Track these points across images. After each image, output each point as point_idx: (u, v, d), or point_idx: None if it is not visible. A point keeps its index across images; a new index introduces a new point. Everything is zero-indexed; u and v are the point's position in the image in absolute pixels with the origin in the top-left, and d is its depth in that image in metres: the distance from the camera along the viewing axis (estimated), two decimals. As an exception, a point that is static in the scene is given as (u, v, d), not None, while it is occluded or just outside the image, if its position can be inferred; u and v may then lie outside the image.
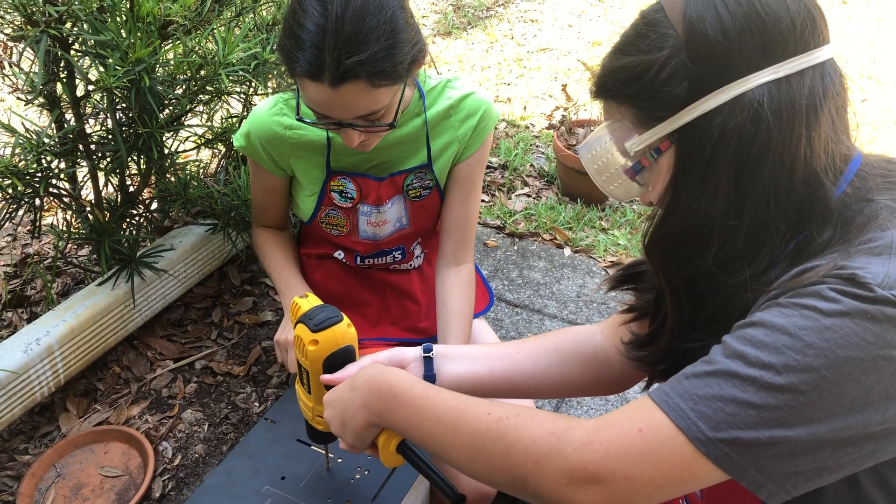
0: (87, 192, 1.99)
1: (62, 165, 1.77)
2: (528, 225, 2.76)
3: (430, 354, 1.10)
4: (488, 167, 3.10)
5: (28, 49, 1.56)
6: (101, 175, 1.85)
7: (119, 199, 1.94)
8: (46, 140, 1.65)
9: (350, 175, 1.45)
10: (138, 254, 1.89)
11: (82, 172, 1.89)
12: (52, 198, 1.84)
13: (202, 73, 1.70)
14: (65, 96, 1.68)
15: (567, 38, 4.61)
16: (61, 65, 1.64)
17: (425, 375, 1.08)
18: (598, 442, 0.72)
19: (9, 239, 2.41)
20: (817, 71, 0.75)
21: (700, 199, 0.78)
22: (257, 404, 1.90)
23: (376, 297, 1.64)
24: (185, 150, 2.08)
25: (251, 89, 2.14)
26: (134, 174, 2.00)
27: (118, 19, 1.51)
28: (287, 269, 1.54)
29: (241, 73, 1.68)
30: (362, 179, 1.45)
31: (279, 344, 1.46)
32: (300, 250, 1.66)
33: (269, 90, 1.98)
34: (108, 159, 1.81)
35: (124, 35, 1.49)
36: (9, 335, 1.74)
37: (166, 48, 1.62)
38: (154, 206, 2.12)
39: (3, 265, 2.28)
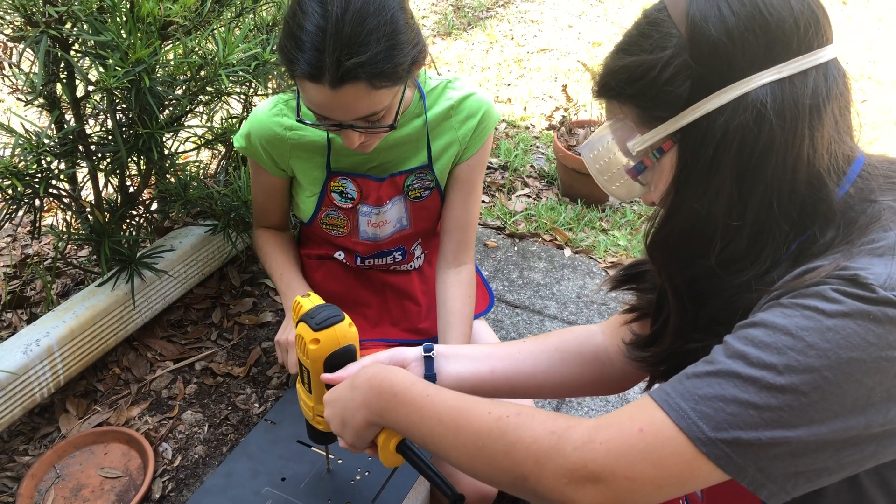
0: (87, 193, 1.98)
1: (62, 166, 1.77)
2: (529, 226, 2.76)
3: (431, 354, 1.10)
4: (488, 168, 3.10)
5: (28, 50, 1.55)
6: (101, 176, 1.85)
7: (119, 200, 1.94)
8: (46, 141, 1.65)
9: (350, 176, 1.45)
10: (138, 254, 1.89)
11: (82, 173, 1.89)
12: (51, 198, 1.84)
13: (202, 73, 1.70)
14: (65, 97, 1.68)
15: (567, 38, 4.61)
16: (61, 65, 1.63)
17: (426, 375, 1.08)
18: (599, 441, 0.72)
19: (8, 240, 2.41)
20: (821, 71, 0.75)
21: (703, 200, 0.78)
22: (257, 405, 1.89)
23: (377, 297, 1.64)
24: (185, 151, 2.08)
25: (251, 90, 2.14)
26: (134, 175, 2.00)
27: (118, 20, 1.51)
28: (288, 269, 1.54)
29: (241, 73, 1.68)
30: (363, 180, 1.45)
31: (280, 344, 1.45)
32: (301, 251, 1.66)
33: (270, 91, 1.98)
34: (108, 160, 1.81)
35: (124, 35, 1.49)
36: (8, 336, 1.74)
37: (166, 49, 1.62)
38: (154, 206, 2.12)
39: (3, 266, 2.27)
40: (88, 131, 1.78)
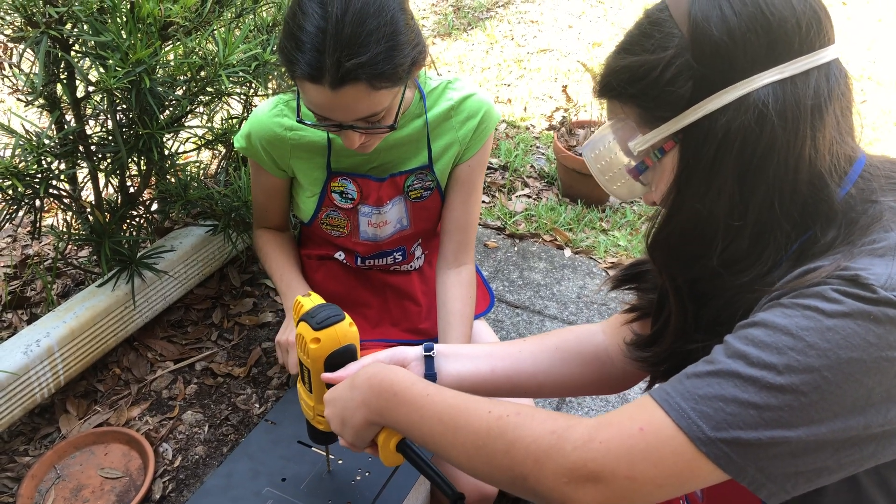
0: (88, 194, 1.99)
1: (62, 166, 1.77)
2: (529, 226, 2.76)
3: (431, 353, 1.10)
4: (488, 168, 3.10)
5: (28, 50, 1.55)
6: (101, 176, 1.85)
7: (119, 201, 1.94)
8: (46, 141, 1.65)
9: (351, 176, 1.45)
10: (138, 255, 1.89)
11: (82, 173, 1.89)
12: (52, 199, 1.84)
13: (202, 74, 1.70)
14: (65, 97, 1.68)
15: (567, 39, 4.61)
16: (61, 66, 1.64)
17: (426, 374, 1.08)
18: (599, 440, 0.72)
19: (9, 240, 2.41)
20: (822, 71, 0.75)
21: (704, 200, 0.78)
22: (257, 406, 1.90)
23: (377, 298, 1.64)
24: (186, 152, 2.09)
25: (251, 90, 2.14)
26: (134, 175, 2.00)
27: (118, 20, 1.51)
28: (288, 270, 1.54)
29: (241, 74, 1.68)
30: (363, 180, 1.45)
31: (280, 345, 1.45)
32: (301, 251, 1.66)
33: (270, 91, 1.98)
34: (109, 160, 1.81)
35: (125, 36, 1.50)
36: (9, 336, 1.74)
37: (167, 49, 1.62)
38: (154, 207, 2.12)
39: (3, 266, 2.28)
40: (89, 132, 1.78)
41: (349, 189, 1.46)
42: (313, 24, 1.12)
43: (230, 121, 2.11)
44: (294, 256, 1.60)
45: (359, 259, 1.59)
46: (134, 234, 2.00)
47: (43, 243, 2.41)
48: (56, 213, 2.37)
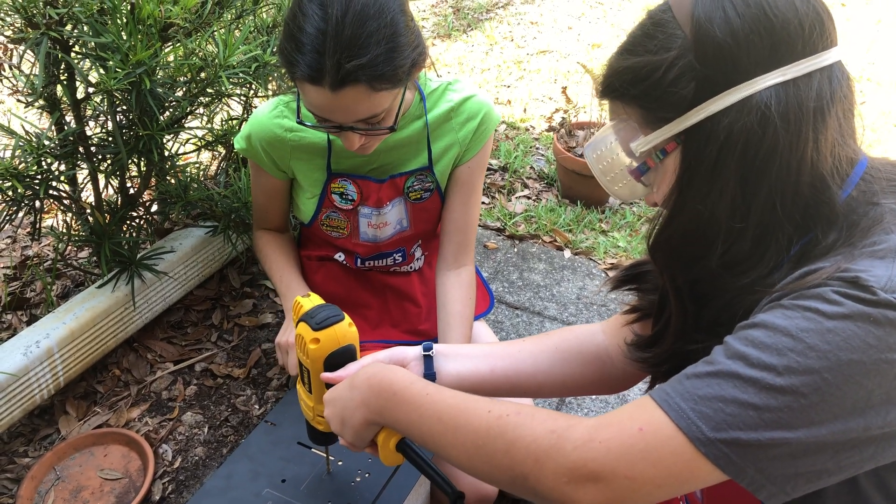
0: (87, 195, 1.99)
1: (62, 168, 1.77)
2: (528, 227, 2.76)
3: (430, 353, 1.10)
4: (488, 169, 3.10)
5: (28, 51, 1.56)
6: (101, 177, 1.85)
7: (119, 202, 1.94)
8: (46, 142, 1.65)
9: (351, 177, 1.45)
10: (138, 256, 1.89)
11: (82, 174, 1.89)
12: (52, 200, 1.84)
13: (202, 75, 1.70)
14: (65, 98, 1.68)
15: (567, 40, 4.61)
16: (62, 67, 1.64)
17: (425, 374, 1.08)
18: (599, 440, 0.72)
19: (8, 241, 2.41)
20: (825, 73, 0.75)
21: (706, 201, 0.78)
22: (257, 407, 1.90)
23: (377, 299, 1.64)
24: (186, 153, 2.09)
25: (251, 91, 2.14)
26: (134, 176, 2.00)
27: (119, 21, 1.51)
28: (288, 271, 1.54)
29: (241, 75, 1.68)
30: (363, 181, 1.45)
31: (280, 346, 1.46)
32: (301, 252, 1.66)
33: (270, 92, 1.98)
34: (109, 161, 1.81)
35: (125, 37, 1.50)
36: (8, 337, 1.74)
37: (167, 50, 1.62)
38: (154, 208, 2.12)
39: (3, 267, 2.27)
40: (89, 133, 1.79)
41: (349, 190, 1.46)
42: (313, 25, 1.12)
43: (230, 122, 2.11)
44: (294, 258, 1.60)
45: (359, 260, 1.59)
46: (134, 235, 2.00)
47: (43, 244, 2.41)
48: (56, 215, 2.37)
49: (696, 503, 1.00)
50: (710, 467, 0.69)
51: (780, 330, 0.68)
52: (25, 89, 1.65)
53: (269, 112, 1.43)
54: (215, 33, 1.64)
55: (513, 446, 0.77)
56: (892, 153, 3.41)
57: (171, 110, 1.79)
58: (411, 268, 1.65)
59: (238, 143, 1.48)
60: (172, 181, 1.93)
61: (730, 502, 0.90)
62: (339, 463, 1.27)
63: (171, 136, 1.90)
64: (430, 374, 1.08)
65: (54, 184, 1.77)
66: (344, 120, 1.21)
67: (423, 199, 1.51)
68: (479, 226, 2.73)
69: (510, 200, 2.94)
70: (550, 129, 3.46)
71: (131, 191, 1.97)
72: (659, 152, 0.82)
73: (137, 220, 2.02)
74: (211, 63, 1.64)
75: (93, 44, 1.53)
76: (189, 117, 1.87)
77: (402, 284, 1.64)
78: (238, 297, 2.26)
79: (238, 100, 2.13)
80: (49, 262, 2.27)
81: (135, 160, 1.88)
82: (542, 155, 3.27)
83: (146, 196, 2.05)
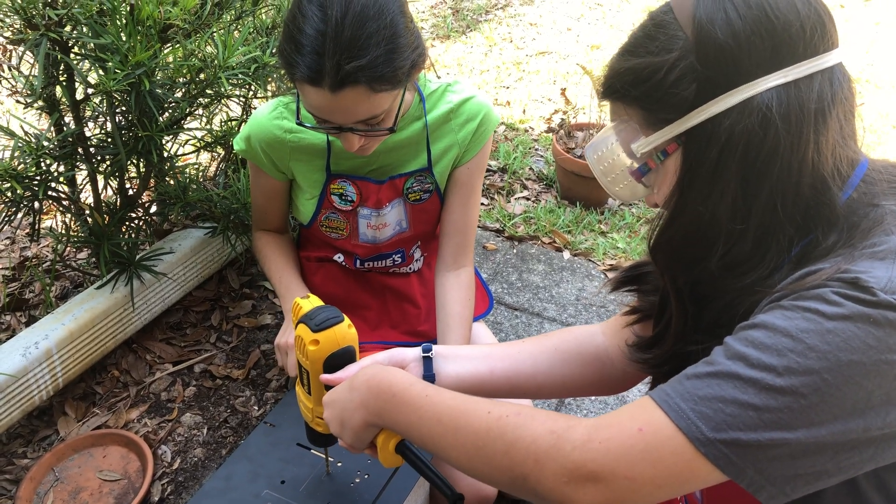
0: (87, 196, 1.98)
1: (61, 169, 1.77)
2: (528, 228, 2.76)
3: (430, 354, 1.10)
4: (487, 170, 3.10)
5: (28, 52, 1.56)
6: (100, 178, 1.85)
7: (118, 203, 1.94)
8: (46, 143, 1.65)
9: (350, 178, 1.45)
10: (137, 257, 1.89)
11: (81, 175, 1.89)
12: (50, 201, 1.84)
13: (202, 76, 1.70)
14: (64, 99, 1.68)
15: (566, 41, 4.62)
16: (61, 68, 1.64)
17: (424, 375, 1.08)
18: (599, 441, 0.72)
19: (7, 242, 2.41)
20: (826, 75, 0.76)
21: (707, 202, 0.78)
22: (256, 408, 1.89)
23: (376, 300, 1.64)
24: (185, 154, 2.09)
25: (251, 93, 2.14)
26: (133, 177, 2.00)
27: (118, 23, 1.51)
28: (287, 272, 1.54)
29: (240, 76, 1.68)
30: (362, 182, 1.45)
31: (279, 347, 1.45)
32: (300, 253, 1.66)
33: (269, 93, 1.98)
34: (108, 162, 1.81)
35: (124, 38, 1.50)
36: (7, 339, 1.74)
37: (166, 52, 1.62)
38: (153, 209, 2.12)
39: (2, 268, 2.27)
40: (88, 134, 1.78)
41: (348, 191, 1.46)
42: (313, 26, 1.12)
43: (229, 123, 2.11)
44: (293, 259, 1.60)
45: (358, 261, 1.59)
46: (133, 236, 2.00)
47: (41, 245, 2.40)
48: (55, 215, 2.37)
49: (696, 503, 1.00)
50: (710, 468, 0.69)
51: (780, 331, 0.68)
52: (25, 90, 1.65)
53: (269, 113, 1.43)
54: (214, 34, 1.64)
55: (513, 447, 0.77)
56: (892, 154, 3.42)
57: (170, 111, 1.79)
58: (410, 269, 1.65)
59: (237, 144, 1.48)
60: (171, 182, 1.93)
61: (729, 503, 0.90)
62: (339, 464, 1.27)
63: (171, 137, 1.90)
64: (429, 376, 1.08)
65: (53, 185, 1.77)
66: (343, 121, 1.21)
67: (422, 200, 1.51)
68: (479, 227, 2.73)
69: (509, 201, 2.94)
70: (549, 130, 3.46)
71: (130, 192, 1.97)
72: (660, 153, 0.82)
73: (136, 222, 2.02)
74: (210, 64, 1.65)
75: (92, 45, 1.53)
76: (188, 118, 1.87)
77: (401, 285, 1.64)
78: (237, 298, 2.26)
79: (237, 101, 2.13)
80: (48, 263, 2.27)
81: (134, 161, 1.88)
82: (542, 156, 3.27)
83: (145, 197, 2.05)
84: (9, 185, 1.59)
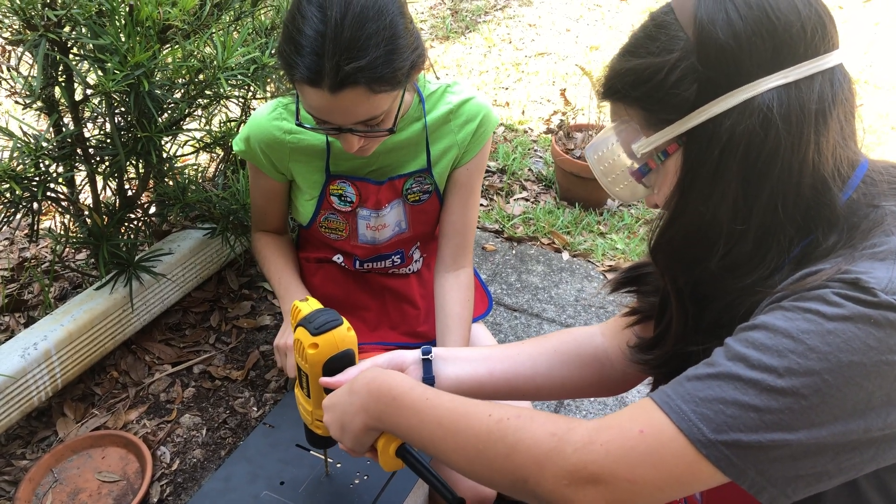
0: (86, 196, 1.98)
1: (60, 169, 1.77)
2: (527, 229, 2.76)
3: (429, 357, 1.09)
4: (487, 171, 3.10)
5: (27, 53, 1.55)
6: (99, 179, 1.85)
7: (117, 203, 1.94)
8: (44, 144, 1.65)
9: (349, 179, 1.45)
10: (136, 258, 1.89)
11: (80, 176, 1.89)
12: (49, 202, 1.84)
13: (201, 77, 1.70)
14: (63, 100, 1.68)
15: (565, 42, 4.62)
16: (60, 69, 1.63)
17: (424, 378, 1.08)
18: (599, 443, 0.72)
19: (6, 243, 2.41)
20: (827, 76, 0.76)
21: (707, 203, 0.78)
22: (255, 409, 1.89)
23: (375, 301, 1.64)
24: (184, 155, 2.08)
25: (250, 93, 2.14)
26: (132, 178, 2.00)
27: (117, 23, 1.51)
28: (286, 273, 1.54)
29: (239, 77, 1.68)
30: (362, 183, 1.45)
31: (278, 348, 1.45)
32: (299, 254, 1.65)
33: (268, 94, 1.98)
34: (107, 163, 1.81)
35: (123, 39, 1.49)
36: (6, 339, 1.74)
37: (165, 52, 1.62)
38: (152, 210, 2.12)
39: (1, 269, 2.27)
40: (87, 135, 1.78)
41: (348, 192, 1.46)
42: (312, 27, 1.12)
43: (228, 124, 2.11)
44: (292, 260, 1.60)
45: (357, 262, 1.59)
46: (132, 237, 2.00)
47: (40, 246, 2.40)
48: (54, 216, 2.37)
49: (696, 505, 1.00)
50: (712, 469, 0.69)
51: (781, 331, 0.68)
52: (23, 91, 1.65)
53: (268, 114, 1.42)
54: (214, 35, 1.64)
55: (513, 450, 0.77)
56: (891, 155, 3.42)
57: (169, 112, 1.79)
58: (410, 270, 1.65)
59: (237, 145, 1.48)
60: (171, 183, 1.93)
61: (729, 504, 0.90)
62: (338, 465, 1.27)
63: (170, 137, 1.90)
64: (428, 378, 1.08)
65: (52, 185, 1.77)
66: (343, 122, 1.21)
67: (421, 201, 1.51)
68: (478, 228, 2.73)
69: (508, 202, 2.94)
70: (549, 131, 3.46)
71: (129, 193, 1.97)
72: (660, 154, 0.82)
73: (135, 222, 2.02)
74: (209, 65, 1.64)
75: (91, 45, 1.53)
76: (187, 119, 1.87)
77: (400, 286, 1.64)
78: (236, 299, 2.25)
79: (236, 102, 2.13)
80: (47, 264, 2.27)
81: (133, 162, 1.87)
82: (541, 157, 3.27)
83: (144, 198, 2.05)
84: (8, 185, 1.59)
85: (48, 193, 1.77)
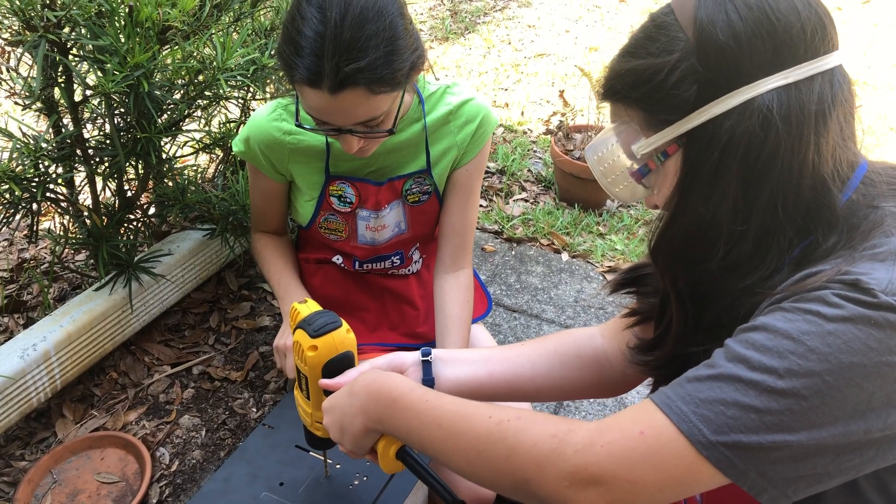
0: (85, 197, 1.98)
1: (60, 170, 1.77)
2: (526, 230, 2.76)
3: (429, 358, 1.09)
4: (486, 172, 3.10)
5: (26, 54, 1.55)
6: (98, 180, 1.85)
7: (117, 204, 1.94)
8: (44, 145, 1.65)
9: (349, 180, 1.45)
10: (136, 259, 1.89)
11: (80, 177, 1.89)
12: (49, 203, 1.84)
13: (200, 78, 1.70)
14: (63, 101, 1.68)
15: (564, 43, 4.62)
16: (59, 70, 1.63)
17: (424, 379, 1.08)
18: (600, 444, 0.72)
19: (5, 244, 2.41)
20: (826, 77, 0.76)
21: (707, 204, 0.78)
22: (255, 410, 1.89)
23: (375, 302, 1.64)
24: (184, 155, 2.08)
25: (249, 94, 2.14)
26: (132, 179, 2.00)
27: (117, 24, 1.51)
28: (286, 274, 1.54)
29: (239, 78, 1.68)
30: (361, 184, 1.45)
31: (278, 349, 1.45)
32: (299, 255, 1.65)
33: (268, 95, 1.98)
34: (106, 164, 1.81)
35: (123, 40, 1.49)
36: (5, 340, 1.74)
37: (165, 53, 1.62)
38: (152, 210, 2.12)
39: (0, 270, 2.27)
40: (86, 135, 1.78)
41: (347, 193, 1.46)
42: (312, 28, 1.12)
43: (228, 125, 2.11)
44: (292, 260, 1.60)
45: (357, 263, 1.59)
46: (131, 237, 2.00)
47: (40, 247, 2.40)
48: (53, 217, 2.36)
49: (696, 506, 1.00)
50: (712, 470, 0.69)
51: (781, 333, 0.68)
52: (23, 92, 1.65)
53: (268, 115, 1.42)
54: (213, 36, 1.64)
55: (514, 451, 0.77)
56: (890, 156, 3.42)
57: (168, 113, 1.78)
58: (409, 271, 1.65)
59: (236, 145, 1.48)
60: (170, 184, 1.93)
61: (729, 506, 0.90)
62: (338, 466, 1.27)
63: (169, 138, 1.90)
64: (428, 380, 1.08)
65: (52, 186, 1.77)
66: (343, 123, 1.21)
67: (421, 201, 1.51)
68: (477, 229, 2.73)
69: (508, 203, 2.94)
70: (548, 132, 3.46)
71: (129, 193, 1.97)
72: (660, 154, 0.82)
73: (135, 223, 2.02)
74: (209, 66, 1.64)
75: (91, 46, 1.53)
76: (187, 120, 1.87)
77: (400, 287, 1.64)
78: (236, 299, 2.25)
79: (236, 102, 2.13)
80: (46, 265, 2.26)
81: (132, 163, 1.87)
82: (540, 158, 3.27)
83: (144, 199, 2.05)
84: (7, 186, 1.59)
85: (47, 194, 1.77)
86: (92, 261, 2.10)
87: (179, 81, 1.69)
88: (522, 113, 3.71)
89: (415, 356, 1.10)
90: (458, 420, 0.83)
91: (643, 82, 0.80)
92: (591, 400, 2.01)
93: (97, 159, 1.81)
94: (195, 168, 2.23)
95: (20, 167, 1.61)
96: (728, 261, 0.80)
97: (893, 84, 4.18)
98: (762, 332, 0.70)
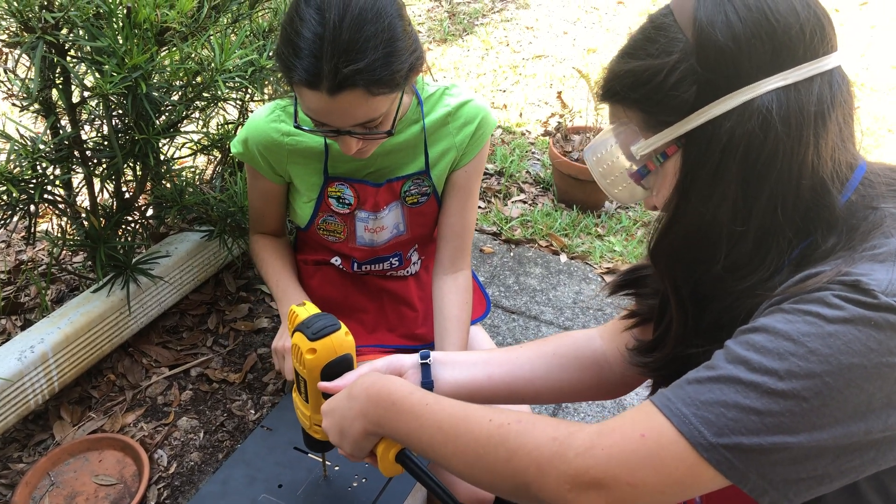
0: (83, 199, 1.98)
1: (57, 172, 1.76)
2: (525, 231, 2.76)
3: (428, 361, 1.09)
4: (484, 174, 3.10)
5: (24, 55, 1.55)
6: (96, 181, 1.85)
7: (114, 206, 1.94)
8: (42, 146, 1.64)
9: (348, 181, 1.45)
10: (133, 260, 1.89)
11: (77, 179, 1.88)
12: (46, 204, 1.83)
13: (199, 79, 1.69)
14: (60, 102, 1.68)
15: (562, 45, 4.62)
16: (57, 71, 1.63)
17: (423, 382, 1.08)
18: (601, 447, 0.72)
19: (3, 246, 2.40)
20: (825, 78, 0.76)
21: (707, 205, 0.78)
22: (253, 412, 1.89)
23: (373, 303, 1.64)
24: (182, 157, 2.08)
25: (248, 96, 2.14)
26: (130, 180, 1.99)
27: (115, 26, 1.51)
28: (284, 276, 1.54)
29: (237, 79, 1.68)
30: (360, 185, 1.45)
31: (276, 351, 1.45)
32: (297, 256, 1.65)
33: (266, 97, 1.98)
34: (104, 166, 1.81)
35: (121, 41, 1.49)
36: (3, 342, 1.73)
37: (163, 55, 1.62)
38: (150, 212, 2.12)
39: (-3, 272, 2.27)
40: (84, 137, 1.78)
41: (346, 194, 1.46)
42: (311, 30, 1.11)
43: (226, 126, 2.11)
44: (290, 262, 1.60)
45: (355, 264, 1.59)
46: (129, 239, 1.99)
47: (37, 249, 2.40)
48: (51, 219, 2.36)
49: (695, 508, 1.00)
50: (713, 473, 0.68)
51: (782, 334, 0.68)
52: (21, 93, 1.64)
53: (266, 116, 1.42)
54: (211, 37, 1.64)
55: (514, 454, 0.77)
56: (889, 158, 3.43)
57: (166, 114, 1.78)
58: (408, 272, 1.65)
59: (235, 147, 1.47)
60: (168, 185, 1.93)
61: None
62: (336, 468, 1.27)
63: (167, 140, 1.90)
64: (427, 383, 1.08)
65: (49, 188, 1.76)
66: (341, 124, 1.21)
67: (419, 203, 1.51)
68: (476, 230, 2.73)
69: (506, 205, 2.94)
70: (546, 133, 3.46)
71: (127, 195, 1.97)
72: (659, 156, 0.82)
73: (133, 225, 2.02)
74: (207, 67, 1.64)
75: (89, 48, 1.52)
76: (185, 121, 1.87)
77: (398, 289, 1.64)
78: (234, 301, 2.25)
79: (234, 104, 2.13)
80: (44, 267, 2.26)
81: (130, 164, 1.87)
82: (538, 159, 3.27)
83: (141, 200, 2.04)
84: (4, 188, 1.58)
85: (45, 196, 1.77)
86: (90, 262, 2.09)
87: (177, 83, 1.69)
88: (521, 114, 3.71)
89: (414, 359, 1.10)
90: (459, 423, 0.83)
91: (642, 83, 0.80)
92: (591, 402, 2.01)
93: (95, 161, 1.80)
94: (193, 170, 2.23)
95: (18, 169, 1.61)
96: (728, 262, 0.80)
97: (891, 85, 4.19)
98: (762, 333, 0.70)
